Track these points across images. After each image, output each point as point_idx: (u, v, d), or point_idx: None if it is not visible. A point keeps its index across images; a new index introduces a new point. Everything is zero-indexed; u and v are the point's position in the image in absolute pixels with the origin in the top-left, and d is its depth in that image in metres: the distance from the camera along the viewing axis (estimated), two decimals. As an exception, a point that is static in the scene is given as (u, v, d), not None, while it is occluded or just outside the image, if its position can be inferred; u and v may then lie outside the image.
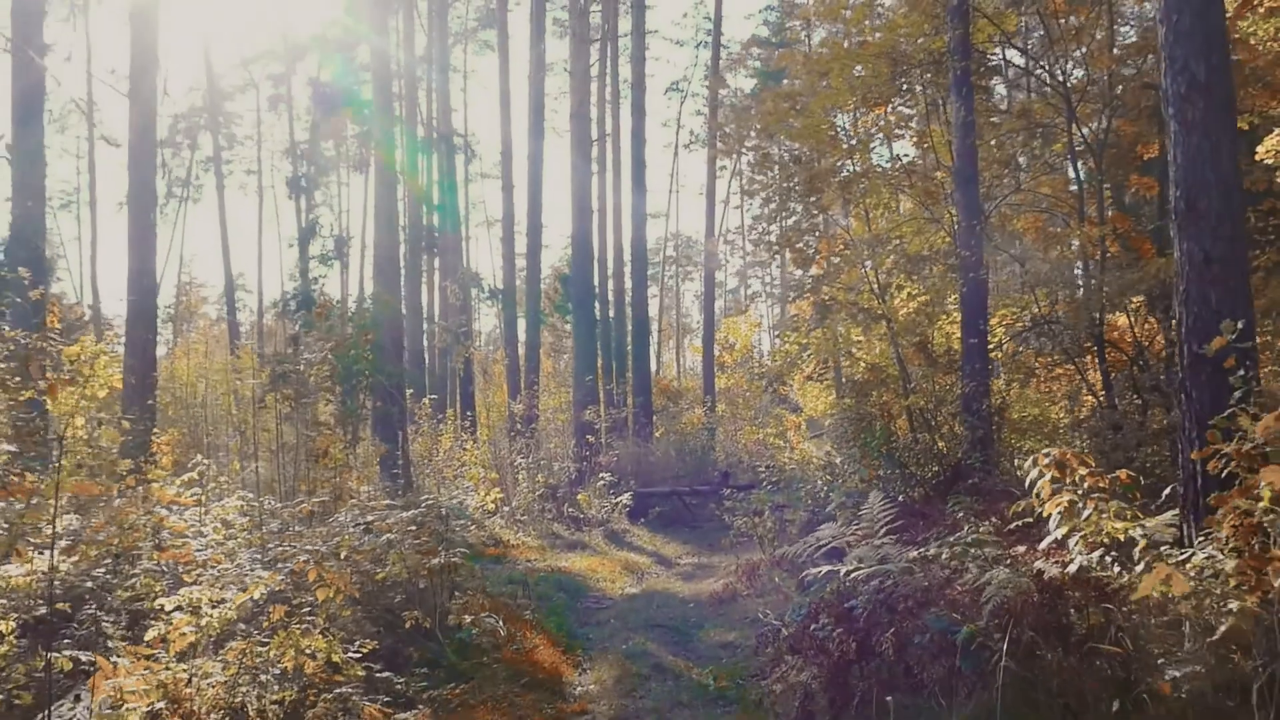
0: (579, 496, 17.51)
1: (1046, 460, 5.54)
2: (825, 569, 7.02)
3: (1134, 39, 16.81)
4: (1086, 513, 5.18)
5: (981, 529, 8.31)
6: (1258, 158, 15.53)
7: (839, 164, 17.68)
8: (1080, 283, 15.61)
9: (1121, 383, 14.99)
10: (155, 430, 12.52)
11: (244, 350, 25.97)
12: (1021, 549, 6.29)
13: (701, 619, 9.87)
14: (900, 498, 12.99)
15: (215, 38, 51.91)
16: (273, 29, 52.66)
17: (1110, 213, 15.88)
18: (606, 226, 33.32)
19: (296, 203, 31.43)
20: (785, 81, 24.60)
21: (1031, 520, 7.35)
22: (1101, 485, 5.27)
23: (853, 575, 6.48)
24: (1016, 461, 16.72)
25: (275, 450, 14.33)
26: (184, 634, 5.51)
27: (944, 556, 6.28)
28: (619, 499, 17.67)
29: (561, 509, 17.22)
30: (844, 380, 33.65)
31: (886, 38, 16.60)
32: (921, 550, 6.72)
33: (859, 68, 16.98)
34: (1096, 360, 15.38)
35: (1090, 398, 18.85)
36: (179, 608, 5.75)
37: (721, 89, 38.34)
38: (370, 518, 8.15)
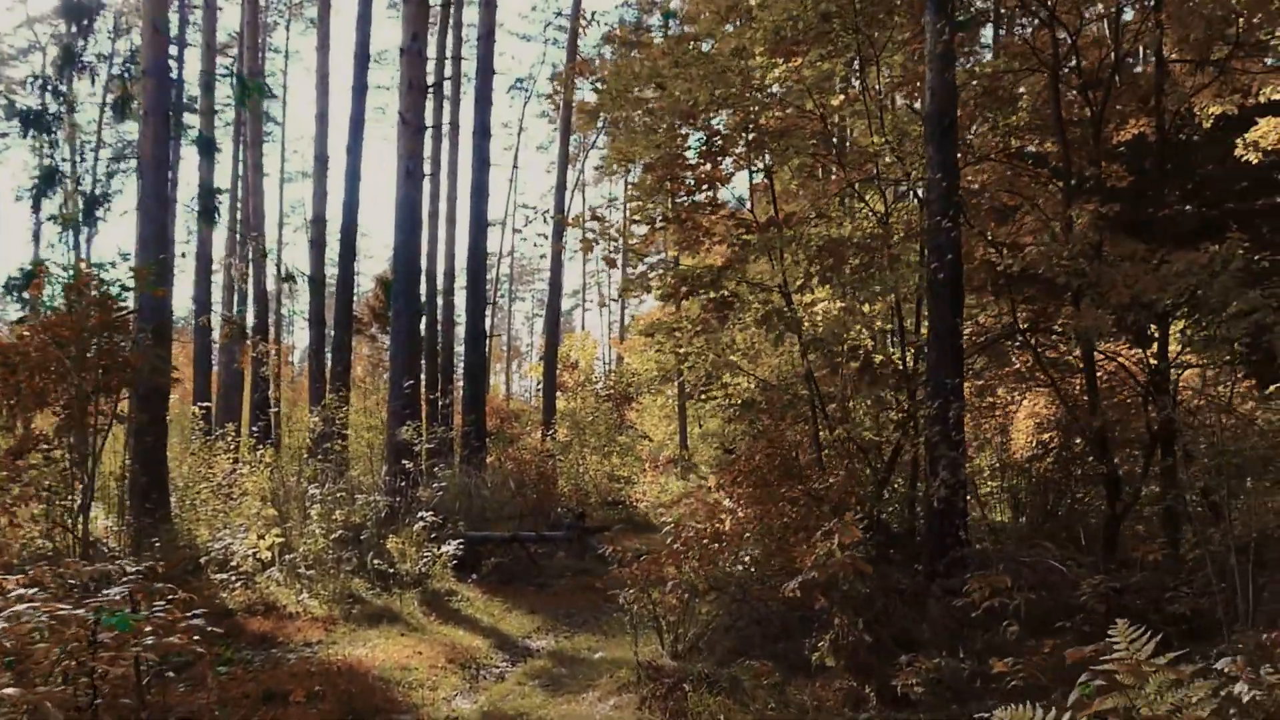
0: (389, 543, 12.89)
1: None
2: None
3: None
4: None
5: None
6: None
7: (750, 117, 13.64)
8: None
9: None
10: None
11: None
12: None
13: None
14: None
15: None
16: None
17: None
18: (438, 234, 28.76)
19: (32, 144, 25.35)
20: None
21: None
22: None
23: None
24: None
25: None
26: None
27: None
28: (444, 548, 13.11)
29: (365, 559, 12.57)
30: (686, 396, 29.83)
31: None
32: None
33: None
34: (1085, 384, 11.78)
35: (1022, 436, 15.44)
36: None
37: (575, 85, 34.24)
38: None
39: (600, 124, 36.21)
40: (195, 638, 5.20)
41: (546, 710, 7.37)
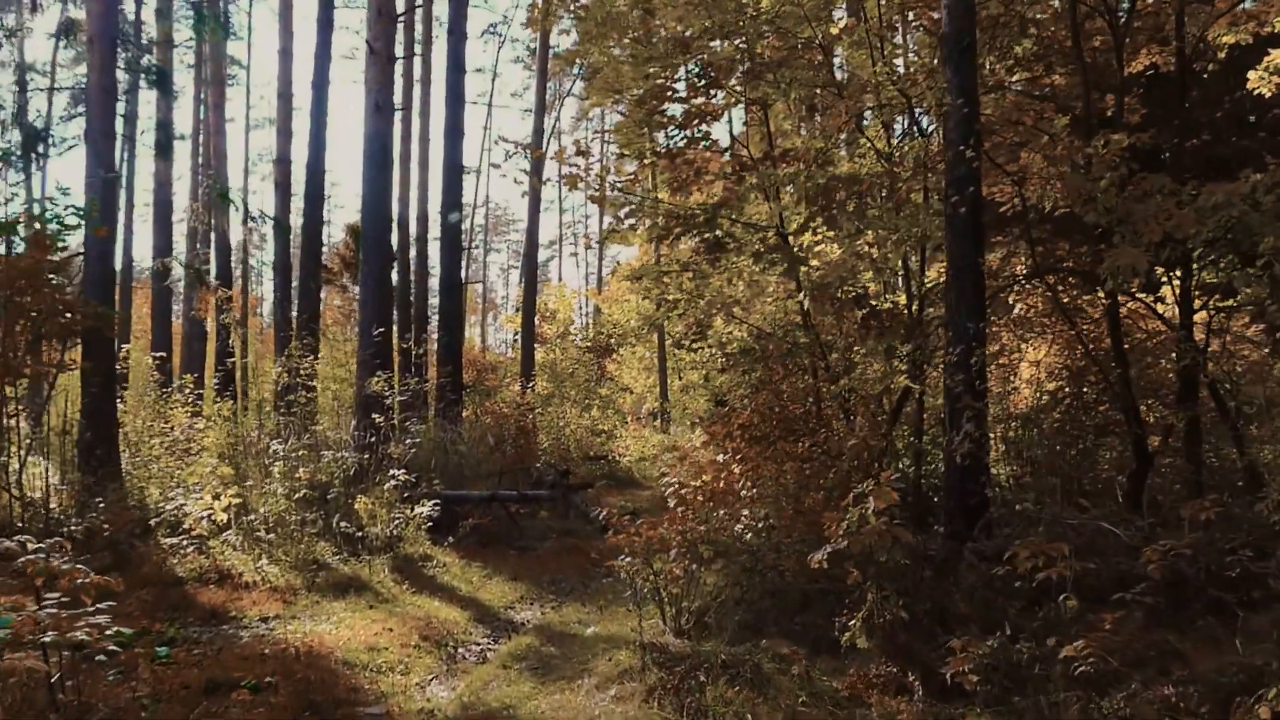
0: (358, 503, 11.89)
1: None
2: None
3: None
4: None
5: None
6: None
7: (742, 45, 12.61)
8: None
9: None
10: None
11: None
12: None
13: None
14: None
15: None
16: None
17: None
18: (410, 178, 27.72)
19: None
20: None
21: None
22: None
23: None
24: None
25: None
26: None
27: None
28: (418, 509, 12.14)
29: (332, 521, 11.59)
30: (674, 345, 28.84)
31: None
32: None
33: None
34: (1109, 329, 10.83)
35: (1026, 386, 14.63)
36: None
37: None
38: None
39: (577, 69, 35.03)
40: (108, 632, 4.24)
41: (536, 701, 6.40)
